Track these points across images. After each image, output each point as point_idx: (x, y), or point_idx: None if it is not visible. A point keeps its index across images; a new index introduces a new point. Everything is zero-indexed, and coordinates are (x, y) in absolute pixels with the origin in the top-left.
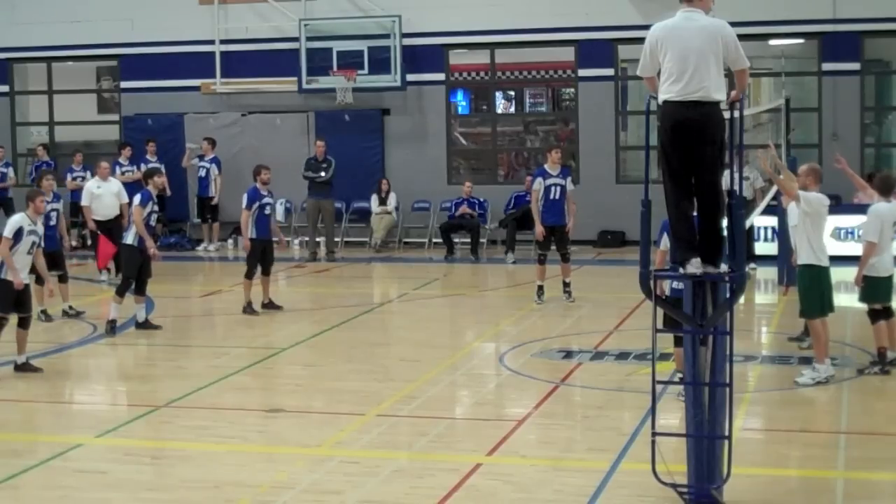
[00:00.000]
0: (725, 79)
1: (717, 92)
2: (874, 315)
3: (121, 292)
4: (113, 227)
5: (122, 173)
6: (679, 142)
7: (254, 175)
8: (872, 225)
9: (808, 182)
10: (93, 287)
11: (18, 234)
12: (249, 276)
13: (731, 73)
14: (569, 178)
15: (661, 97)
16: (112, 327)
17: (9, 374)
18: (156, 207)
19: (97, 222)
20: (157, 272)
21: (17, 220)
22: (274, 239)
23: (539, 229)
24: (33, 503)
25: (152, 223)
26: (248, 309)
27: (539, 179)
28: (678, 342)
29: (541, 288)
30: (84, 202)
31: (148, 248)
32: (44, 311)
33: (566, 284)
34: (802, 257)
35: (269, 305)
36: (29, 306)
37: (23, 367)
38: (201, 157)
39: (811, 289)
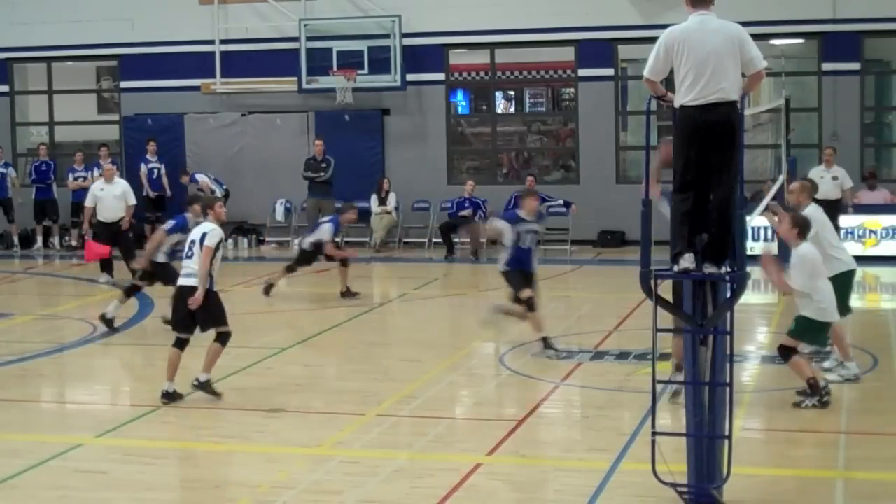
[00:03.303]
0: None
1: (735, 93)
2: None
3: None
4: (117, 230)
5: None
6: (698, 145)
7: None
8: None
9: (802, 199)
10: (93, 287)
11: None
12: (290, 269)
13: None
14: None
15: (678, 102)
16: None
17: (9, 375)
18: None
19: (102, 224)
20: None
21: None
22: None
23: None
24: (33, 503)
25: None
26: (269, 287)
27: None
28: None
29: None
30: (87, 203)
31: None
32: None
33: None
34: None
35: (347, 293)
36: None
37: None
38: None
39: (839, 293)
